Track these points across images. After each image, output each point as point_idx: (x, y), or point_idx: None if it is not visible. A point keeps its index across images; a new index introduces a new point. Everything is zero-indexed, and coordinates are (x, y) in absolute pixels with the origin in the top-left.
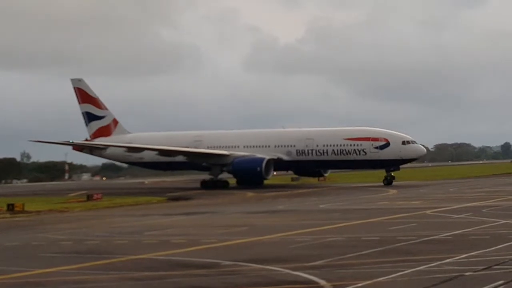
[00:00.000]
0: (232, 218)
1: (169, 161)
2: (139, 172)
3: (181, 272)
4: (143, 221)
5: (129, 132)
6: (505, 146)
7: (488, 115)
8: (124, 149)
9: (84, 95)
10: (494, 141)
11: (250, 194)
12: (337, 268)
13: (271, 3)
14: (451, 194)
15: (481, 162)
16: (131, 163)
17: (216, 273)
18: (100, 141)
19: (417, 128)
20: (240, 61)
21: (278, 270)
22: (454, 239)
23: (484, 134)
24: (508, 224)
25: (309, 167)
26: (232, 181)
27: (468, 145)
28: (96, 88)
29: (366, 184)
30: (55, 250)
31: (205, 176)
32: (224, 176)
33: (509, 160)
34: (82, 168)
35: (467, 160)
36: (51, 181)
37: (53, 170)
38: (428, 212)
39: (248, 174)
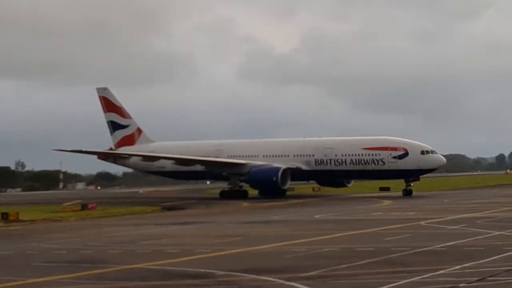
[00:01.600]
0: (227, 228)
1: (190, 171)
2: (133, 182)
3: (175, 282)
4: (137, 231)
5: (152, 141)
6: (500, 157)
7: (482, 127)
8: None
9: (109, 104)
10: (489, 153)
11: (245, 204)
12: (331, 279)
13: (266, 13)
14: (446, 205)
15: (475, 173)
16: (153, 173)
17: (210, 283)
18: (124, 150)
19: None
20: (235, 71)
21: (272, 281)
22: (448, 250)
23: (478, 145)
24: (503, 235)
25: (328, 177)
26: (254, 191)
27: (462, 156)
28: (88, 97)
29: (361, 195)
30: (49, 259)
31: (224, 185)
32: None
33: (503, 172)
34: (76, 177)
35: (462, 171)
36: (46, 190)
37: (47, 179)
38: (422, 223)
39: (264, 184)
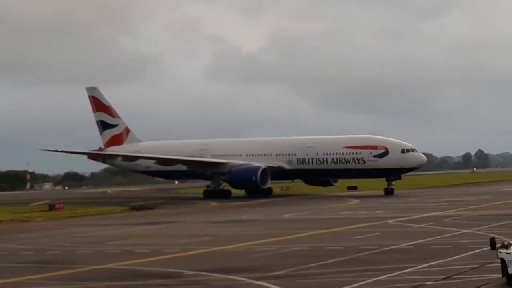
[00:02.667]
0: (195, 228)
1: (174, 170)
2: (101, 182)
3: (143, 282)
4: (105, 231)
5: (140, 141)
6: (466, 156)
7: (449, 126)
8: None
9: (98, 104)
10: (455, 152)
11: (213, 203)
12: (300, 278)
13: (233, 12)
14: (413, 204)
15: (442, 172)
16: (140, 172)
17: (178, 283)
18: (112, 149)
19: None
20: (202, 70)
21: (241, 280)
22: (415, 248)
23: (445, 144)
24: (469, 233)
25: (310, 176)
26: (241, 191)
27: (429, 155)
28: (55, 97)
29: (329, 194)
30: (17, 260)
31: (206, 184)
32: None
33: (469, 170)
34: (44, 178)
35: (429, 170)
36: (13, 190)
37: (14, 179)
38: (390, 221)
39: (244, 183)
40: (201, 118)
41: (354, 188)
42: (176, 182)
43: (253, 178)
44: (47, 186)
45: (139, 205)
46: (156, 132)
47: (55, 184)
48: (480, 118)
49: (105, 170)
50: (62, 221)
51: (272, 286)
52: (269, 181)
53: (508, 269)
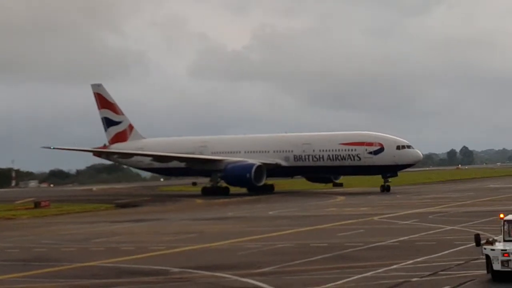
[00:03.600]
0: (181, 225)
1: (175, 167)
2: (87, 179)
3: (129, 280)
4: (91, 228)
5: (143, 138)
6: (451, 153)
7: (434, 122)
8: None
9: (103, 101)
10: (440, 149)
11: (199, 201)
12: (286, 275)
13: (218, 10)
14: (398, 201)
15: (427, 168)
16: (144, 169)
17: (164, 280)
18: (116, 146)
19: None
20: (187, 68)
21: (226, 277)
22: (400, 245)
23: (430, 141)
24: (454, 230)
25: (306, 173)
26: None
27: None
28: (40, 94)
29: (314, 190)
30: (2, 258)
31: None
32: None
33: (454, 167)
34: (29, 175)
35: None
36: None
37: None
38: (375, 218)
39: (239, 180)
40: (185, 116)
41: (339, 185)
42: (162, 179)
43: (248, 175)
44: (33, 183)
45: (125, 203)
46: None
47: (41, 182)
48: (465, 115)
49: (91, 167)
50: (47, 219)
51: (258, 283)
52: (265, 178)
53: (493, 265)
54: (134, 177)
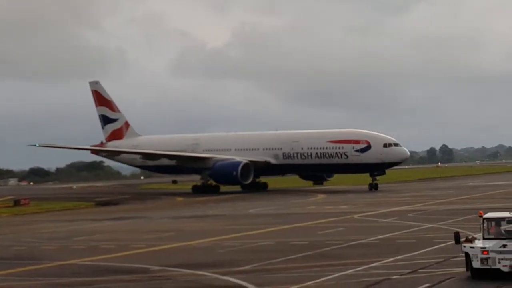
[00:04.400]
0: (161, 223)
1: (169, 165)
2: (67, 177)
3: (109, 278)
4: (71, 227)
5: (139, 135)
6: (431, 151)
7: (414, 120)
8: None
9: (100, 98)
10: (420, 147)
11: (179, 199)
12: (266, 273)
13: (198, 7)
14: (378, 199)
15: (407, 167)
16: (139, 167)
17: (145, 278)
18: (113, 144)
19: None
20: (167, 65)
21: (207, 275)
22: (381, 243)
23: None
24: (434, 228)
25: (294, 171)
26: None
27: None
28: (18, 92)
29: (295, 188)
30: None
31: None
32: None
33: (434, 165)
34: (9, 173)
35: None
36: None
37: None
38: (355, 216)
39: (226, 178)
40: (166, 113)
41: (320, 183)
42: (142, 177)
43: (234, 173)
44: (12, 181)
45: (105, 201)
46: None
47: (20, 180)
48: (444, 113)
49: (71, 165)
50: (27, 217)
51: (238, 281)
52: (252, 176)
53: (472, 263)
54: (114, 175)
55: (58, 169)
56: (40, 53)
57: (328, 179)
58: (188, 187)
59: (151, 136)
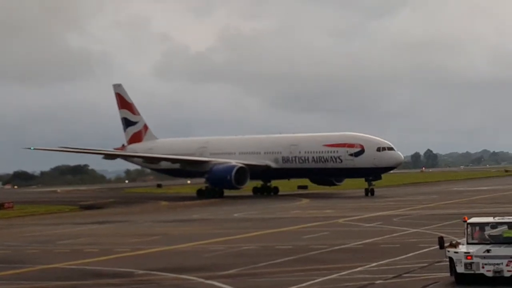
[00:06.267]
0: (146, 227)
1: (180, 169)
2: (51, 181)
3: (94, 282)
4: (55, 230)
5: (156, 138)
6: (415, 156)
7: (398, 125)
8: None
9: (122, 101)
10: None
11: (164, 203)
12: (251, 277)
13: (182, 11)
14: (363, 203)
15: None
16: (153, 169)
17: (129, 282)
18: (132, 147)
19: None
20: (151, 69)
21: (191, 279)
22: (365, 247)
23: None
24: (418, 233)
25: (292, 175)
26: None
27: None
28: (1, 94)
29: (280, 193)
30: None
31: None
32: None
33: (418, 170)
34: None
35: None
36: None
37: None
38: (340, 221)
39: (221, 182)
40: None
41: (304, 187)
42: (127, 181)
43: (228, 177)
44: None
45: (89, 204)
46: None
47: (4, 183)
48: (429, 118)
49: (55, 169)
50: (11, 221)
51: (223, 285)
52: (248, 180)
53: (456, 268)
54: (98, 179)
55: (42, 173)
56: (22, 55)
57: (337, 183)
58: (171, 192)
59: (166, 139)
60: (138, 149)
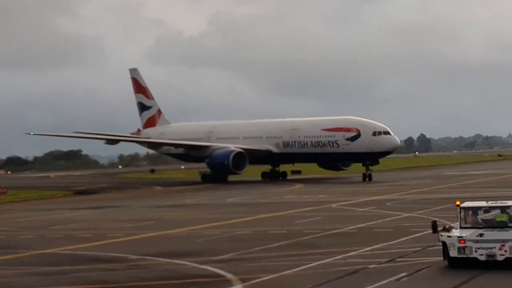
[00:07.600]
0: (139, 212)
1: (187, 154)
2: (44, 166)
3: (87, 267)
4: (48, 216)
5: (169, 123)
6: (408, 140)
7: (391, 110)
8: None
9: (138, 85)
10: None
11: (158, 188)
12: (244, 262)
13: None
14: (356, 188)
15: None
16: (164, 154)
17: (123, 267)
18: (147, 131)
19: None
20: (144, 54)
21: (185, 264)
22: (358, 232)
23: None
24: (411, 217)
25: (292, 160)
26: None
27: None
28: None
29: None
30: None
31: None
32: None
33: (412, 155)
34: None
35: None
36: None
37: None
38: (333, 205)
39: (219, 167)
40: None
41: (298, 172)
42: (120, 166)
43: (225, 162)
44: None
45: (83, 189)
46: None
47: None
48: (422, 103)
49: (48, 154)
50: (4, 206)
51: (217, 270)
52: (247, 165)
53: (449, 252)
54: (92, 164)
55: (35, 158)
56: (14, 40)
57: (344, 168)
58: (165, 176)
59: (177, 124)
60: (151, 133)
